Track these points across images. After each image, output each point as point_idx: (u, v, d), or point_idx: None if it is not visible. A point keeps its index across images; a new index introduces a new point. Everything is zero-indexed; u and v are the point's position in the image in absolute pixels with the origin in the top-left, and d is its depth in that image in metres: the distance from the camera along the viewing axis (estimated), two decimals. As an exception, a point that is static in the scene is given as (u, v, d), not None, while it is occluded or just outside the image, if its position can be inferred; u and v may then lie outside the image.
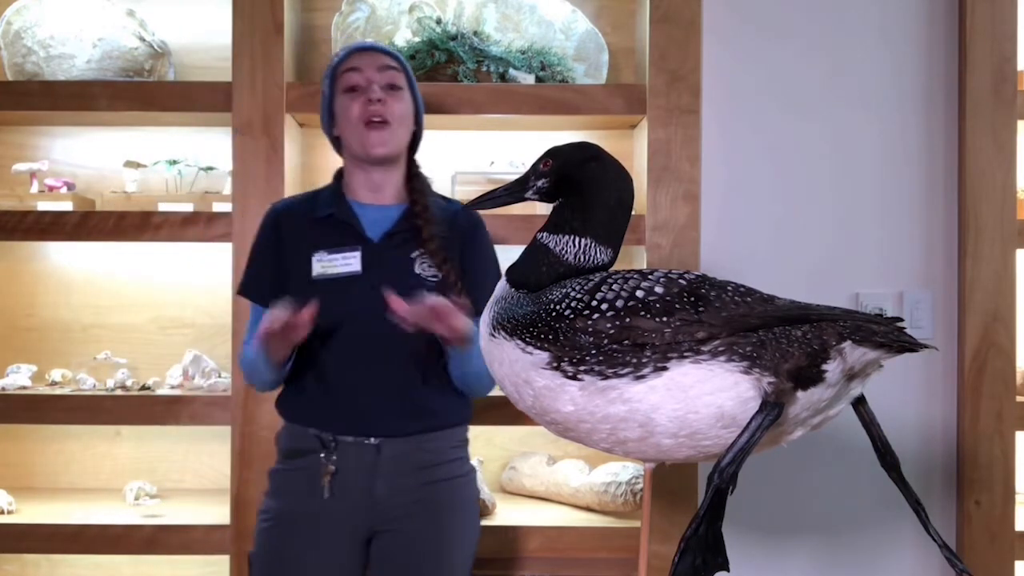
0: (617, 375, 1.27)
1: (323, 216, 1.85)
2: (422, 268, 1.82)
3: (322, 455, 1.78)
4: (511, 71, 2.33)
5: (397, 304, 1.65)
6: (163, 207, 2.32)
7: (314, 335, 1.78)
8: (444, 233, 1.85)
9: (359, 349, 1.79)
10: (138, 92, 2.29)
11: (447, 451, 1.85)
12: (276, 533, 1.80)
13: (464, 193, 2.35)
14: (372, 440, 1.78)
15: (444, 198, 1.96)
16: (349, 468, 1.78)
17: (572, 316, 1.31)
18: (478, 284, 1.85)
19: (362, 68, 1.84)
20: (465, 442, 1.92)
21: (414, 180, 1.91)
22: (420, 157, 2.53)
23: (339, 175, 1.93)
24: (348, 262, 1.80)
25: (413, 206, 1.86)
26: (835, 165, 2.47)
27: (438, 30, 2.34)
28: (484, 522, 2.25)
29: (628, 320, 1.28)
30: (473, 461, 2.37)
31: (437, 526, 1.81)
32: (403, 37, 2.38)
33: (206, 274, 2.55)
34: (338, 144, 1.93)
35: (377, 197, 1.88)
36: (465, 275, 1.86)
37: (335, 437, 1.78)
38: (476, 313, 1.85)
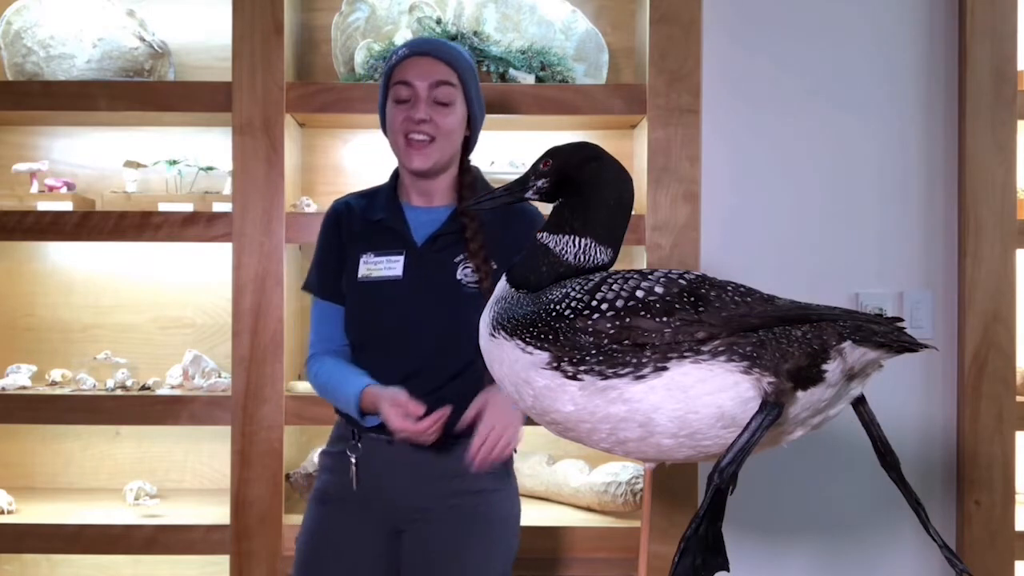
0: (617, 375, 1.27)
1: (375, 220, 1.85)
2: (464, 274, 1.80)
3: (348, 447, 1.81)
4: (511, 71, 2.33)
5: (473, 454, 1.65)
6: (163, 207, 2.32)
7: (355, 333, 1.83)
8: (493, 233, 1.80)
9: (392, 352, 1.80)
10: (138, 92, 2.29)
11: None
12: (317, 511, 1.84)
13: (464, 193, 2.35)
14: (387, 436, 1.77)
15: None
16: (369, 462, 1.80)
17: (572, 316, 1.31)
18: None
19: (413, 82, 1.78)
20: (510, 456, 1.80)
21: (464, 180, 1.87)
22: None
23: (396, 174, 1.92)
24: (391, 266, 1.81)
25: (460, 203, 1.84)
26: (835, 165, 2.47)
27: (438, 30, 2.34)
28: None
29: (628, 320, 1.28)
30: None
31: (458, 536, 1.78)
32: (403, 37, 2.38)
33: (206, 274, 2.55)
34: None
35: (427, 200, 1.87)
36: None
37: (358, 431, 1.81)
38: None
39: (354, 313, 1.84)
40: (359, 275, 1.82)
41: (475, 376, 1.78)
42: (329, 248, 1.89)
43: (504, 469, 1.85)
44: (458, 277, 1.80)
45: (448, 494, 1.79)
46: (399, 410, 1.68)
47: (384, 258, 1.81)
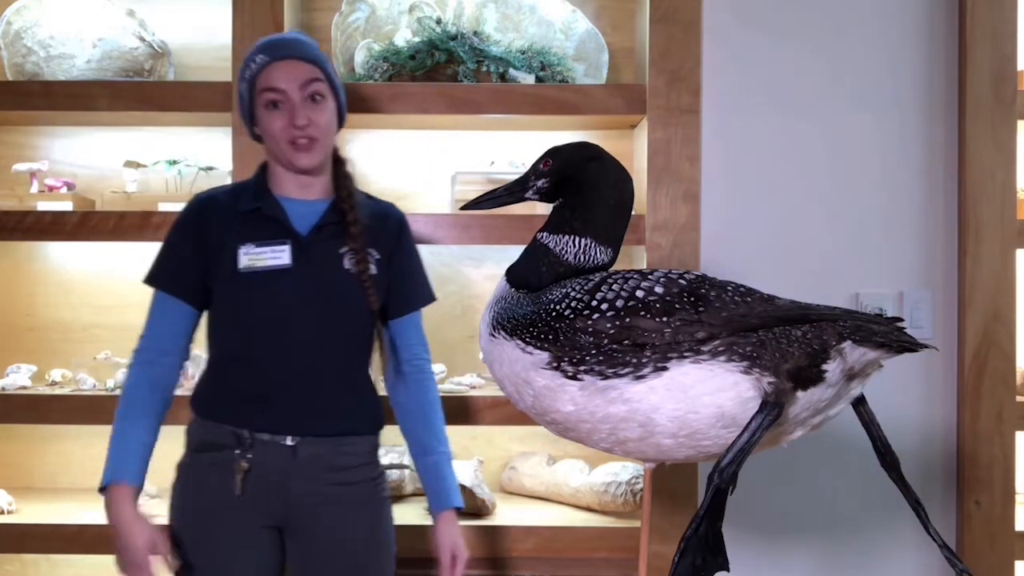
0: (617, 375, 1.27)
1: (248, 210, 1.80)
2: (351, 263, 1.79)
3: (236, 451, 1.75)
4: (511, 71, 2.33)
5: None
6: (163, 207, 2.32)
7: (238, 329, 1.78)
8: (370, 224, 1.83)
9: (284, 344, 1.76)
10: (138, 92, 2.29)
11: (363, 454, 1.83)
12: (189, 528, 1.77)
13: (464, 193, 2.35)
14: (289, 440, 1.75)
15: (370, 196, 1.92)
16: (263, 466, 1.75)
17: (572, 316, 1.31)
18: (412, 281, 1.90)
19: (283, 87, 1.75)
20: (377, 447, 1.88)
21: (340, 173, 1.86)
22: (419, 158, 2.54)
23: (263, 168, 1.88)
24: (277, 255, 1.77)
25: (339, 191, 1.83)
26: (835, 165, 2.47)
27: (438, 30, 2.34)
28: (484, 522, 2.26)
29: (628, 320, 1.28)
30: (473, 461, 2.38)
31: (347, 525, 1.79)
32: (403, 37, 2.38)
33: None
34: (260, 139, 1.87)
35: (305, 193, 1.84)
36: (398, 272, 1.87)
37: (252, 434, 1.75)
38: (404, 310, 1.89)
39: (233, 306, 1.78)
40: (240, 266, 1.76)
41: (362, 370, 1.84)
42: (186, 241, 1.80)
43: (377, 456, 1.88)
44: (346, 266, 1.79)
45: (338, 484, 1.79)
46: (134, 560, 1.67)
47: (268, 248, 1.77)
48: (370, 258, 1.81)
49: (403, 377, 1.89)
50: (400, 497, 2.42)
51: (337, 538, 1.78)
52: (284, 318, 1.76)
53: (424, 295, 1.94)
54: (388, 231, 1.87)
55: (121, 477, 1.71)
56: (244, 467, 1.74)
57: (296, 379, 1.76)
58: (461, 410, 2.23)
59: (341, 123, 1.87)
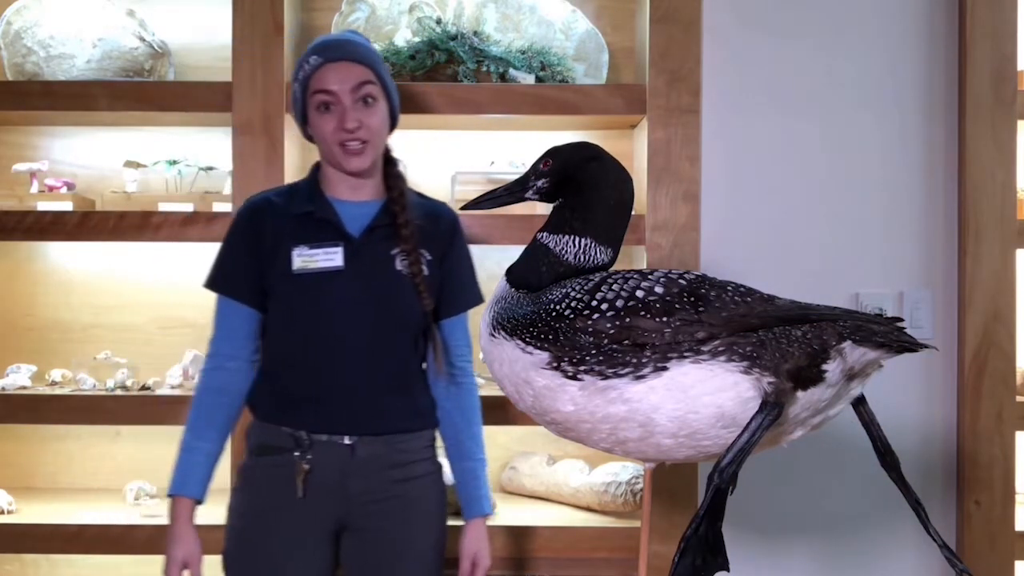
0: (617, 375, 1.27)
1: (302, 212, 1.82)
2: (403, 265, 1.81)
3: (296, 453, 1.77)
4: (511, 71, 2.33)
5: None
6: (163, 207, 2.32)
7: (291, 331, 1.79)
8: (422, 224, 1.83)
9: (338, 345, 1.77)
10: (138, 92, 2.29)
11: (419, 450, 1.85)
12: (249, 530, 1.79)
13: (464, 193, 2.35)
14: (347, 440, 1.77)
15: (422, 196, 1.93)
16: (323, 467, 1.77)
17: (572, 316, 1.31)
18: (462, 282, 1.89)
19: (335, 90, 1.76)
20: (434, 441, 1.91)
21: (391, 174, 1.87)
22: (420, 158, 2.54)
23: (316, 168, 1.90)
24: (330, 257, 1.78)
25: (390, 192, 1.85)
26: (835, 165, 2.47)
27: (438, 30, 2.34)
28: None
29: (628, 320, 1.28)
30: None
31: (407, 523, 1.81)
32: (403, 37, 2.38)
33: (206, 274, 2.55)
34: (313, 140, 1.88)
35: (356, 194, 1.85)
36: (448, 273, 1.88)
37: (309, 436, 1.77)
38: (452, 311, 1.89)
39: (286, 307, 1.80)
40: (293, 268, 1.78)
41: (417, 368, 1.85)
42: (243, 245, 1.83)
43: (435, 450, 1.90)
44: (398, 267, 1.80)
45: (398, 481, 1.80)
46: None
47: (320, 249, 1.79)
48: (422, 259, 1.82)
49: (446, 378, 1.89)
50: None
51: (393, 536, 1.80)
52: (336, 319, 1.78)
53: (473, 296, 1.94)
54: (440, 231, 1.88)
55: (183, 491, 1.79)
56: (305, 468, 1.76)
57: (350, 379, 1.78)
58: (461, 410, 2.23)
59: (393, 124, 1.88)
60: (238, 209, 1.88)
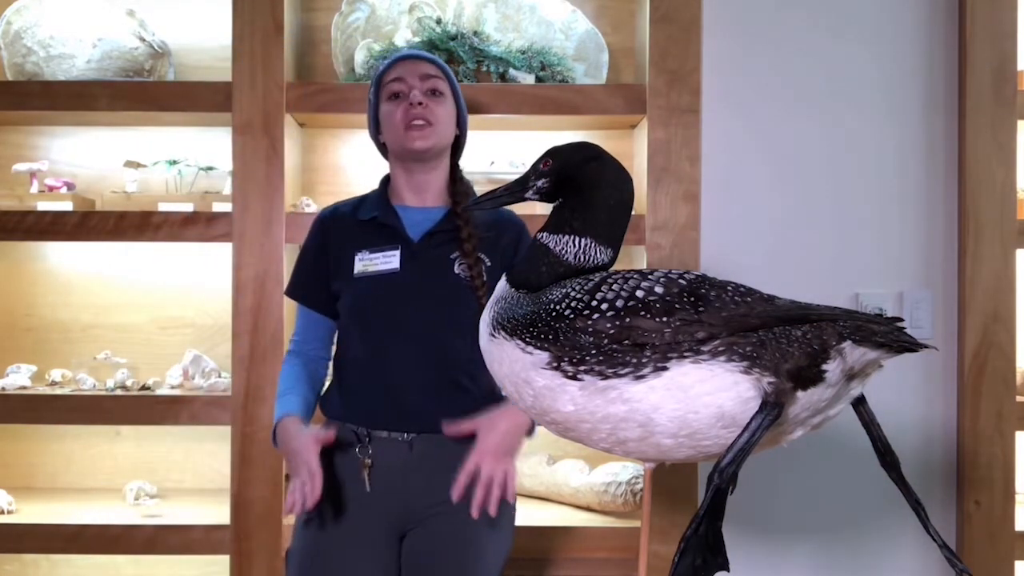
0: (617, 375, 1.27)
1: (367, 219, 1.89)
2: (461, 269, 1.84)
3: (357, 449, 1.81)
4: (511, 71, 2.34)
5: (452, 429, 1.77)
6: (163, 207, 2.32)
7: (353, 331, 1.85)
8: (485, 235, 1.87)
9: (395, 344, 1.81)
10: (138, 92, 2.29)
11: None
12: (317, 526, 1.81)
13: (464, 193, 2.35)
14: (405, 436, 1.80)
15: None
16: (384, 463, 1.81)
17: (572, 316, 1.31)
18: None
19: (405, 77, 1.87)
20: None
21: (456, 183, 1.94)
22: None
23: (385, 180, 1.97)
24: (388, 260, 1.85)
25: (454, 207, 1.89)
26: (835, 165, 2.47)
27: (438, 30, 2.34)
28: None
29: (628, 320, 1.28)
30: None
31: (467, 526, 1.78)
32: (403, 37, 2.38)
33: (206, 274, 2.55)
34: (385, 150, 1.97)
35: (420, 199, 1.91)
36: None
37: (369, 432, 1.81)
38: None
39: (350, 309, 1.86)
40: (355, 272, 1.85)
41: (473, 367, 1.80)
42: (311, 253, 1.92)
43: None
44: (456, 271, 1.84)
45: (452, 483, 1.77)
46: (302, 483, 1.73)
47: (380, 254, 1.85)
48: (482, 263, 1.85)
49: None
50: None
51: (450, 537, 1.80)
52: (391, 320, 1.82)
53: None
54: (506, 238, 1.91)
55: (287, 411, 1.83)
56: (368, 463, 1.81)
57: (402, 378, 1.81)
58: (461, 410, 2.23)
59: (461, 129, 1.95)
60: (313, 221, 1.96)
